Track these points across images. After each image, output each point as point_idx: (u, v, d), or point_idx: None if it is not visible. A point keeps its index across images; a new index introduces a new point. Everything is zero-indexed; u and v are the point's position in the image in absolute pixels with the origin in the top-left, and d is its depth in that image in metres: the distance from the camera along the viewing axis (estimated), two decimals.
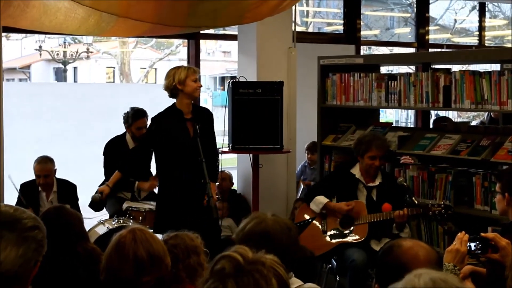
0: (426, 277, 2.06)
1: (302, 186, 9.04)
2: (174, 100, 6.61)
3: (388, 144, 6.66)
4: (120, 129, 7.75)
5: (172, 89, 6.54)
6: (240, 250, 2.27)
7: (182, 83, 6.48)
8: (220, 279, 2.20)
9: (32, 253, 2.38)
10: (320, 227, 6.56)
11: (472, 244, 3.61)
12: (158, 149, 6.55)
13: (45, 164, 7.26)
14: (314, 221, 6.51)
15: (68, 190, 7.45)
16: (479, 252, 3.64)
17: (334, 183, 6.63)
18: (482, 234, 3.61)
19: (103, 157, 7.69)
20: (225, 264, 2.22)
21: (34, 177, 7.31)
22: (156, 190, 7.79)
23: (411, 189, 6.64)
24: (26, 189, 7.16)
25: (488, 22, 13.51)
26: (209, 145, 6.58)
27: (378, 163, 6.39)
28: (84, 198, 7.60)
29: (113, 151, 7.64)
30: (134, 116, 7.59)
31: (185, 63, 9.87)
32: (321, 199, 6.53)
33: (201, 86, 6.73)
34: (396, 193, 6.38)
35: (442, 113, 11.33)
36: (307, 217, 6.55)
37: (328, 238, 6.50)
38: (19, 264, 2.32)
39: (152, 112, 7.84)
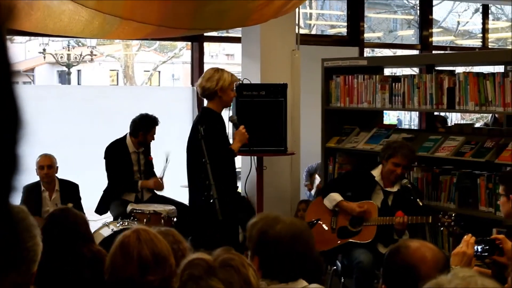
0: None
1: (315, 189, 9.04)
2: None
3: (415, 155, 6.59)
4: (124, 132, 7.76)
5: (211, 92, 6.40)
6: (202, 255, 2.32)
7: (223, 91, 6.38)
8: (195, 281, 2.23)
9: None
10: (330, 223, 6.57)
11: (479, 247, 3.61)
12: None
13: (48, 156, 7.34)
14: (324, 217, 6.52)
15: (70, 189, 7.48)
16: (486, 254, 3.64)
17: (352, 180, 6.63)
18: (494, 236, 3.61)
19: (104, 161, 7.71)
20: (193, 270, 2.25)
21: (36, 180, 7.33)
22: (158, 191, 7.85)
23: (417, 190, 6.61)
24: (29, 190, 7.18)
25: (491, 24, 13.50)
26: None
27: (400, 171, 6.35)
28: (86, 199, 7.61)
29: (115, 155, 7.67)
30: (153, 123, 7.66)
31: (188, 66, 9.88)
32: (336, 197, 6.53)
33: (235, 95, 6.65)
34: (407, 198, 6.35)
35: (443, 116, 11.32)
36: (318, 212, 6.58)
37: (336, 235, 6.51)
38: None
39: (156, 114, 7.85)
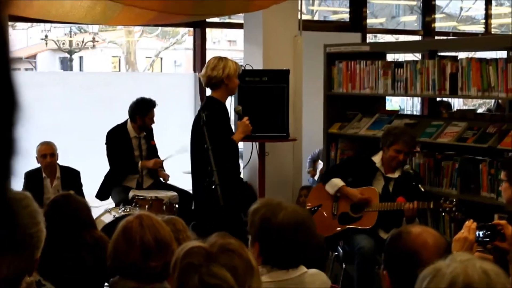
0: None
1: (318, 174, 9.05)
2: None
3: (416, 143, 6.60)
4: (126, 118, 7.76)
5: (217, 81, 6.38)
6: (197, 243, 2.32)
7: (229, 78, 6.37)
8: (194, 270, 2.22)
9: None
10: (331, 209, 6.57)
11: (480, 232, 3.62)
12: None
13: (49, 144, 7.32)
14: (325, 203, 6.52)
15: (71, 176, 7.47)
16: (487, 240, 3.64)
17: (352, 166, 6.63)
18: (495, 221, 3.61)
19: (105, 146, 7.72)
20: (192, 259, 2.25)
21: (37, 166, 7.32)
22: (161, 178, 7.86)
23: (418, 175, 6.63)
24: (30, 177, 7.18)
25: (494, 9, 13.45)
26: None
27: (402, 157, 6.35)
28: (88, 186, 7.61)
29: (115, 140, 7.68)
30: (149, 106, 7.64)
31: (191, 53, 9.87)
32: (337, 182, 6.53)
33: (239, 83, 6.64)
34: (409, 184, 6.36)
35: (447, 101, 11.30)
36: (319, 198, 6.59)
37: (337, 221, 6.51)
38: None
39: (158, 100, 7.84)
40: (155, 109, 7.72)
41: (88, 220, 4.45)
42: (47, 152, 7.29)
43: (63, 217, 4.23)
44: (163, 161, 7.81)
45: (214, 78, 6.38)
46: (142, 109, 7.64)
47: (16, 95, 0.87)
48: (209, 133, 6.06)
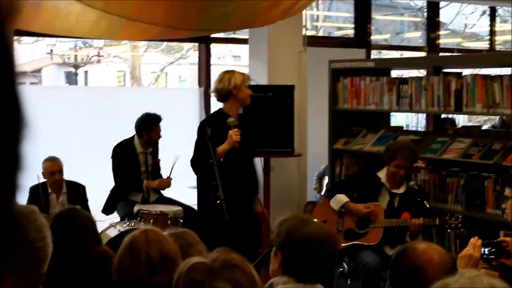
0: None
1: (324, 188, 9.04)
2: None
3: (417, 156, 6.59)
4: (130, 132, 7.76)
5: (225, 93, 6.47)
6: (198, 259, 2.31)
7: (237, 88, 6.43)
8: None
9: None
10: (336, 225, 6.56)
11: (486, 249, 3.60)
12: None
13: (56, 161, 7.27)
14: (331, 218, 6.52)
15: (77, 191, 7.45)
16: (493, 257, 3.63)
17: (357, 182, 6.62)
18: (501, 238, 3.60)
19: (111, 160, 7.71)
20: (194, 275, 2.24)
21: (42, 181, 7.29)
22: (163, 191, 7.84)
23: (423, 192, 6.62)
24: (35, 192, 7.15)
25: (498, 26, 13.47)
26: (251, 154, 6.61)
27: (404, 172, 6.34)
28: (93, 200, 7.60)
29: (122, 155, 7.67)
30: (155, 121, 7.63)
31: (195, 67, 9.89)
32: (342, 198, 6.52)
33: (252, 93, 6.66)
34: (414, 200, 6.35)
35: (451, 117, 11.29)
36: (324, 214, 6.57)
37: (342, 237, 6.50)
38: None
39: (163, 115, 7.85)
40: (160, 124, 7.72)
41: (94, 234, 4.45)
42: (55, 169, 7.24)
43: (69, 231, 4.23)
44: (167, 181, 7.76)
45: (222, 91, 6.46)
46: (148, 125, 7.64)
47: (22, 110, 0.88)
48: (214, 148, 6.09)
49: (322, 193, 9.21)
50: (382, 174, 6.49)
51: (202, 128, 6.43)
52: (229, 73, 6.53)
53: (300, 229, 3.25)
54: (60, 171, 7.28)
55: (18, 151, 0.85)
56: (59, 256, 3.68)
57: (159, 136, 7.72)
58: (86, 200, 7.48)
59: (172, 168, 7.72)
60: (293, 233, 3.25)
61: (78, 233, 4.27)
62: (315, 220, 3.41)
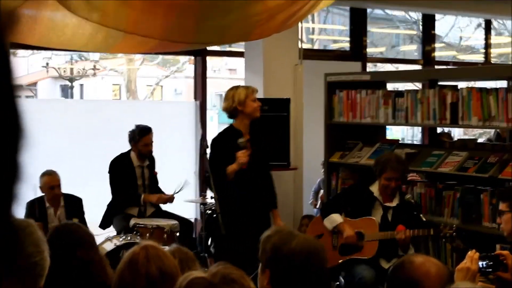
0: None
1: (320, 201, 9.01)
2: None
3: (406, 166, 6.58)
4: (126, 146, 7.76)
5: (232, 110, 6.52)
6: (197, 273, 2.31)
7: (242, 104, 6.46)
8: None
9: None
10: (331, 241, 6.55)
11: (483, 263, 3.60)
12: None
13: (54, 175, 7.25)
14: (325, 234, 6.51)
15: (75, 204, 7.43)
16: (490, 270, 3.63)
17: (351, 197, 6.61)
18: (498, 252, 3.60)
19: (108, 175, 7.70)
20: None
21: (39, 195, 7.26)
22: (162, 205, 7.83)
23: (419, 206, 6.63)
24: (32, 206, 7.12)
25: (493, 39, 13.51)
26: (266, 167, 6.60)
27: (394, 184, 6.34)
28: (89, 213, 7.58)
29: (119, 169, 7.66)
30: (141, 133, 7.61)
31: (191, 81, 9.90)
32: (336, 218, 6.51)
33: (261, 105, 6.66)
34: (410, 213, 6.35)
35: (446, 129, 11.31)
36: (319, 231, 6.56)
37: (337, 253, 6.48)
38: None
39: (158, 129, 7.85)
40: (153, 136, 7.69)
41: (91, 247, 4.41)
42: (54, 184, 7.20)
43: (66, 245, 4.20)
44: (169, 198, 7.73)
45: (228, 109, 6.54)
46: (134, 136, 7.64)
47: (20, 120, 0.88)
48: (209, 161, 6.11)
49: (318, 205, 9.19)
50: (374, 188, 6.48)
51: (214, 145, 6.54)
52: (232, 90, 6.57)
53: (288, 244, 3.23)
54: (59, 185, 7.26)
55: (17, 161, 0.84)
56: (56, 271, 3.65)
57: (148, 148, 7.66)
58: (83, 213, 7.47)
59: (180, 190, 7.70)
60: (280, 248, 3.23)
61: (75, 247, 4.24)
62: (299, 233, 3.38)
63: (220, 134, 6.63)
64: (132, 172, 7.67)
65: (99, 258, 4.43)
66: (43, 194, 7.24)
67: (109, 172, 7.68)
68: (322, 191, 9.02)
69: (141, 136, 7.61)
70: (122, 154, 7.73)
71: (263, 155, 6.65)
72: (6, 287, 2.37)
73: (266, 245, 3.29)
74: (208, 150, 6.56)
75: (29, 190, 6.97)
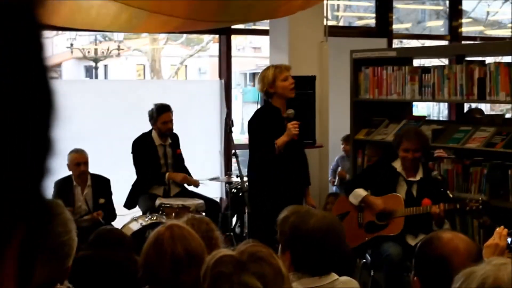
0: None
1: (337, 178, 8.97)
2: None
3: (424, 138, 6.51)
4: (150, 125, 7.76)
5: (265, 93, 6.50)
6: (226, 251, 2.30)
7: (272, 85, 6.43)
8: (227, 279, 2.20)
9: None
10: (357, 219, 6.53)
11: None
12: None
13: (82, 153, 7.27)
14: (351, 213, 6.49)
15: (102, 184, 7.45)
16: None
17: (374, 175, 6.56)
18: None
19: (132, 155, 7.70)
20: (222, 267, 2.23)
21: (67, 174, 7.29)
22: (188, 186, 7.84)
23: (446, 182, 6.59)
24: (61, 185, 7.15)
25: None
26: (302, 145, 6.65)
27: (412, 155, 6.27)
28: (116, 194, 7.60)
29: (141, 148, 7.66)
30: (158, 111, 7.59)
31: (215, 60, 9.88)
32: (360, 192, 6.48)
33: (293, 82, 6.58)
34: (436, 189, 6.31)
35: (474, 106, 11.23)
36: (344, 210, 6.54)
37: (363, 231, 6.46)
38: None
39: (183, 108, 7.84)
40: (172, 114, 7.66)
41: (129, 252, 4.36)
42: (81, 160, 7.24)
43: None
44: (193, 181, 7.74)
45: (262, 92, 6.53)
46: (152, 115, 7.63)
47: (52, 95, 0.88)
48: (250, 140, 6.12)
49: (336, 183, 9.12)
50: (397, 164, 6.44)
51: (253, 124, 6.52)
52: (263, 72, 6.56)
53: (306, 224, 3.23)
54: (86, 163, 7.28)
55: (49, 135, 0.84)
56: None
57: (167, 126, 7.61)
58: (111, 194, 7.49)
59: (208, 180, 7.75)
60: (299, 228, 3.23)
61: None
62: (316, 211, 3.38)
63: (257, 113, 6.60)
64: (154, 151, 7.66)
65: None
66: (71, 172, 7.27)
67: (132, 152, 7.69)
68: (340, 168, 9.00)
69: (158, 114, 7.59)
70: (144, 134, 7.73)
71: (300, 133, 6.62)
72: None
73: (284, 227, 3.29)
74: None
75: (61, 166, 7.02)
